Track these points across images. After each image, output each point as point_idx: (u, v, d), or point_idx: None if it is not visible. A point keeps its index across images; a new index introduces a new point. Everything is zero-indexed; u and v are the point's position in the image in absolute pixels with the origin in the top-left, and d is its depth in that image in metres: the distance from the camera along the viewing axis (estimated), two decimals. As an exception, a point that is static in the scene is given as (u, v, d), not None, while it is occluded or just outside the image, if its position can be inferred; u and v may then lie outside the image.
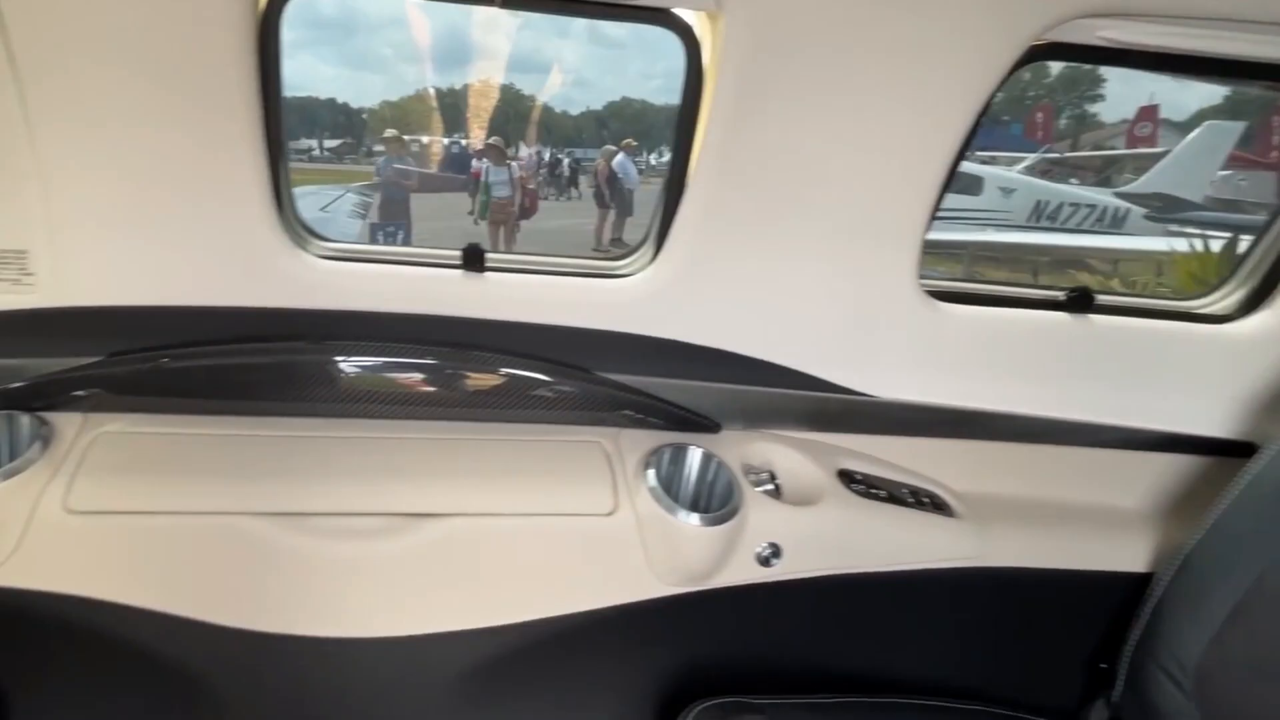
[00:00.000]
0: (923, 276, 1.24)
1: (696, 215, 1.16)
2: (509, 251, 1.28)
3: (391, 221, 6.43)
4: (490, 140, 7.36)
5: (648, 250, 1.27)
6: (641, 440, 1.25)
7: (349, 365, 1.19)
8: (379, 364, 1.19)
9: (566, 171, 9.97)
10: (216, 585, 1.08)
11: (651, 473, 1.17)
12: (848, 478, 1.26)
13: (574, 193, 10.13)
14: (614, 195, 7.72)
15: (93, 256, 1.11)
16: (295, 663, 1.12)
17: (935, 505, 1.28)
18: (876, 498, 1.23)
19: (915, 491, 1.29)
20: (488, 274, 1.22)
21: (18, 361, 1.12)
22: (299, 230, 1.20)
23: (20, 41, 0.95)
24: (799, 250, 1.19)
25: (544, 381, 1.22)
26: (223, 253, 1.13)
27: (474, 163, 8.85)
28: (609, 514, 1.14)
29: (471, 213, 8.27)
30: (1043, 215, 7.02)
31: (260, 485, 1.09)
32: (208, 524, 1.06)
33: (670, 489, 1.16)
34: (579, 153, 10.38)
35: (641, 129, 10.49)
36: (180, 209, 1.09)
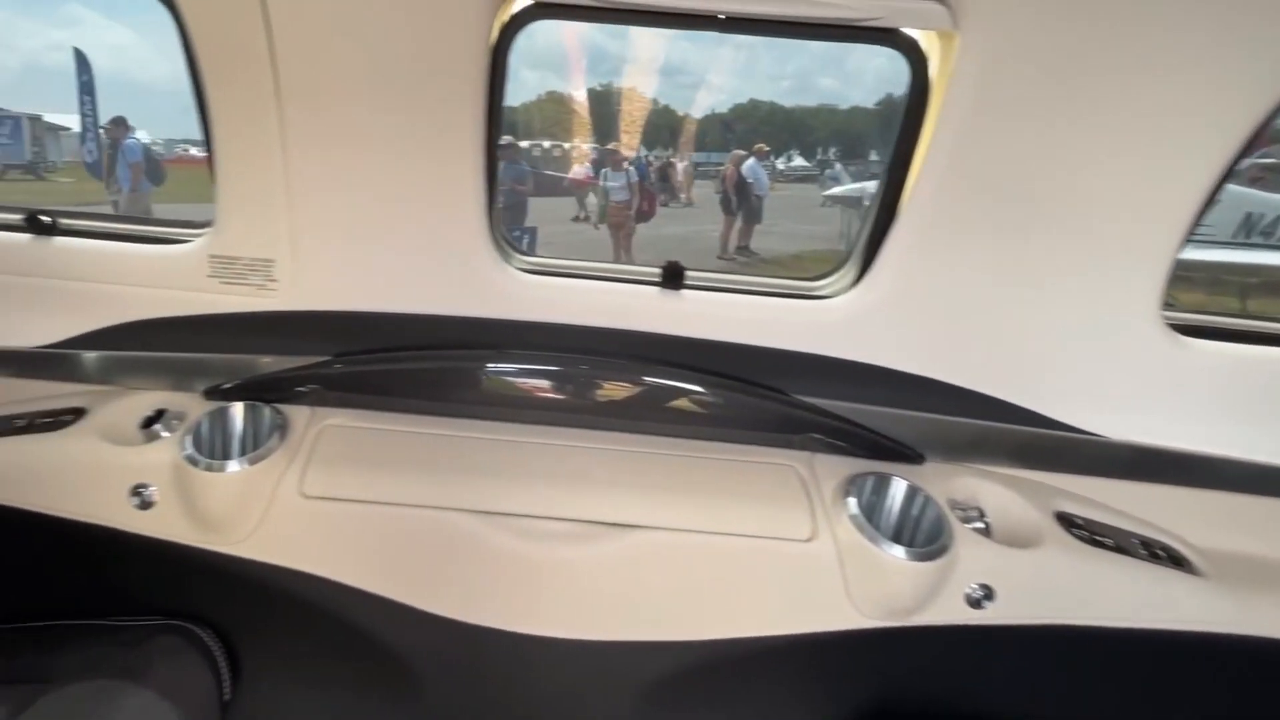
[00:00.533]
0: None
1: (910, 236, 1.18)
2: (704, 269, 1.34)
3: (516, 226, 6.80)
4: (609, 145, 7.61)
5: (849, 271, 1.30)
6: (837, 466, 1.27)
7: (548, 374, 1.30)
8: (576, 374, 1.30)
9: (681, 176, 10.09)
10: (426, 574, 1.22)
11: (853, 501, 1.20)
12: (1067, 521, 1.22)
13: (685, 198, 10.25)
14: (742, 202, 7.74)
15: (327, 266, 1.28)
16: (491, 654, 1.23)
17: (1173, 560, 1.22)
18: (1103, 546, 1.19)
19: (1147, 543, 1.23)
20: (685, 292, 1.29)
21: (258, 357, 1.32)
22: (504, 244, 1.33)
23: (286, 74, 1.12)
24: (1024, 275, 1.18)
25: (737, 401, 1.28)
26: (439, 264, 1.27)
27: (576, 168, 9.17)
28: (807, 540, 1.18)
29: (577, 218, 8.59)
30: (1254, 229, 6.32)
31: (468, 483, 1.22)
32: (421, 516, 1.19)
33: (871, 519, 1.18)
34: (698, 156, 10.50)
35: (770, 132, 10.48)
36: (406, 223, 1.24)
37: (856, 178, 9.22)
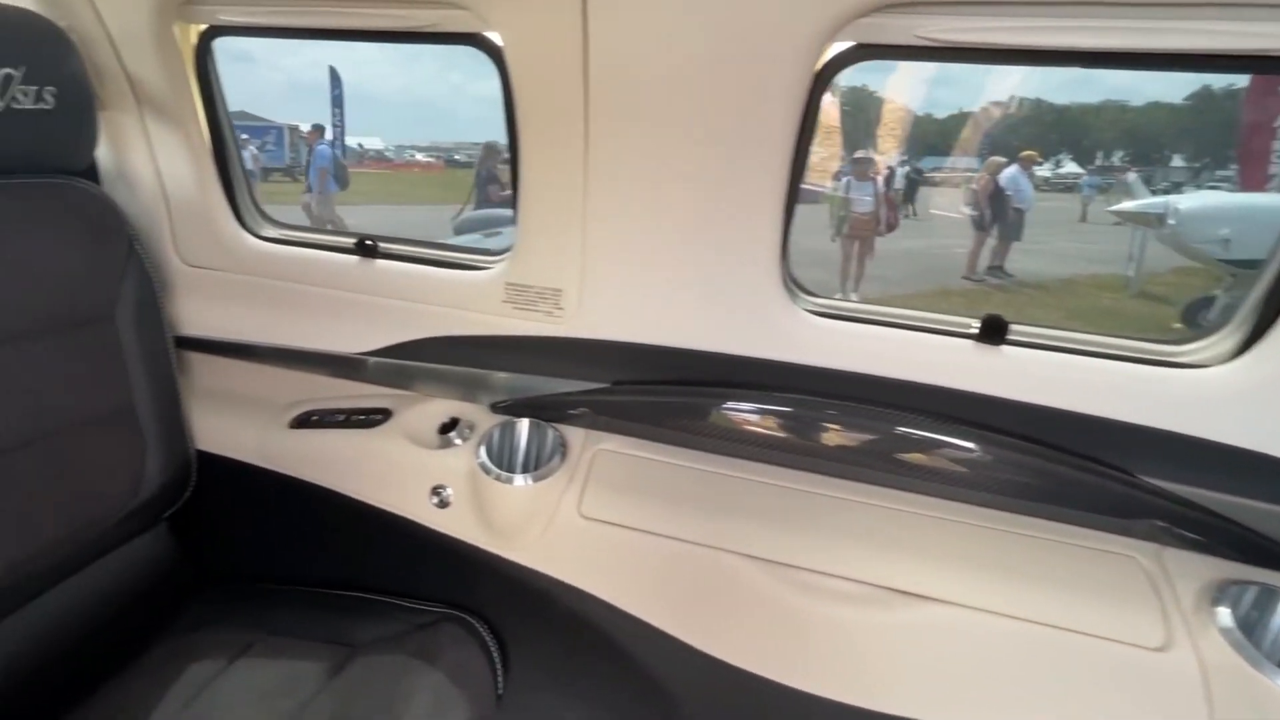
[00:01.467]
0: None
1: None
2: (1028, 323, 1.28)
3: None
4: (856, 154, 7.48)
5: (1230, 337, 1.17)
6: (1196, 566, 1.15)
7: (837, 422, 1.31)
8: (870, 426, 1.29)
9: (903, 184, 9.65)
10: (695, 609, 1.28)
11: (1225, 612, 1.07)
12: None
13: (914, 210, 9.78)
14: (997, 216, 7.24)
15: (611, 297, 1.40)
16: (759, 701, 1.26)
17: None
18: None
19: None
20: (1005, 348, 1.24)
21: (541, 379, 1.47)
22: (792, 285, 1.36)
23: (596, 116, 1.24)
24: None
25: (1066, 476, 1.20)
26: (725, 302, 1.34)
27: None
28: (1158, 649, 1.07)
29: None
30: None
31: (744, 526, 1.27)
32: (695, 552, 1.27)
33: (1250, 638, 1.05)
34: (931, 161, 9.99)
35: (1034, 134, 9.67)
36: (695, 259, 1.32)
37: (1152, 188, 8.22)
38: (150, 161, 1.59)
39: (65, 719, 1.23)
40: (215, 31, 1.51)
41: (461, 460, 1.42)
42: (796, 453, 1.35)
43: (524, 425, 1.48)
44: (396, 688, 1.24)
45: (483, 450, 1.40)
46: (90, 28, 1.43)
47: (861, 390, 1.30)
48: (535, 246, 1.41)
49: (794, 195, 1.27)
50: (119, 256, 1.35)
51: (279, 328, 1.63)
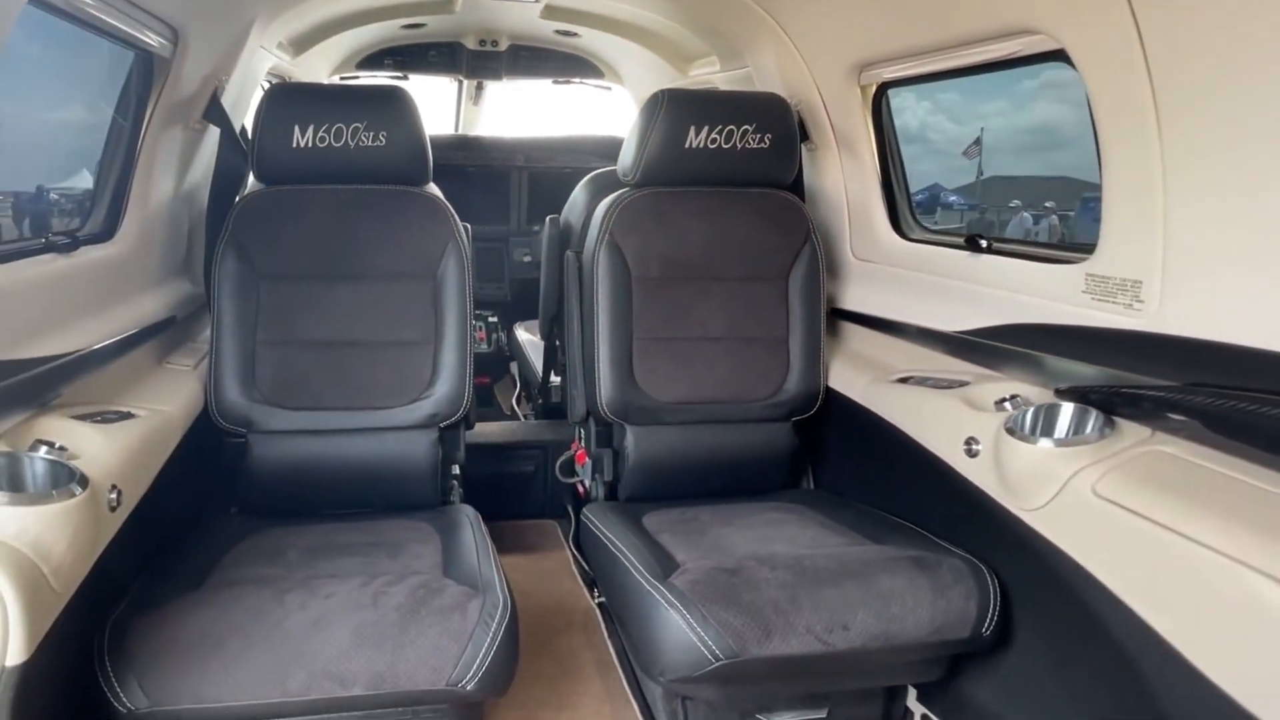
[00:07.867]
0: None
1: None
2: None
3: None
4: None
5: None
6: None
7: None
8: None
9: None
10: (1209, 625, 1.22)
11: None
12: None
13: None
14: None
15: (1198, 291, 1.39)
16: None
17: None
18: None
19: None
20: None
21: (1110, 371, 1.54)
22: None
23: (1162, 82, 1.30)
24: None
25: None
26: None
27: None
28: None
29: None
30: None
31: None
32: (1224, 566, 1.18)
33: None
34: None
35: None
36: None
37: None
38: (840, 183, 2.34)
39: None
40: (886, 86, 2.14)
41: (994, 421, 1.64)
42: None
43: (1069, 406, 1.58)
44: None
45: (1016, 417, 1.59)
46: (811, 95, 2.25)
47: None
48: (1118, 239, 1.52)
49: None
50: (798, 243, 2.18)
51: (904, 307, 2.13)
